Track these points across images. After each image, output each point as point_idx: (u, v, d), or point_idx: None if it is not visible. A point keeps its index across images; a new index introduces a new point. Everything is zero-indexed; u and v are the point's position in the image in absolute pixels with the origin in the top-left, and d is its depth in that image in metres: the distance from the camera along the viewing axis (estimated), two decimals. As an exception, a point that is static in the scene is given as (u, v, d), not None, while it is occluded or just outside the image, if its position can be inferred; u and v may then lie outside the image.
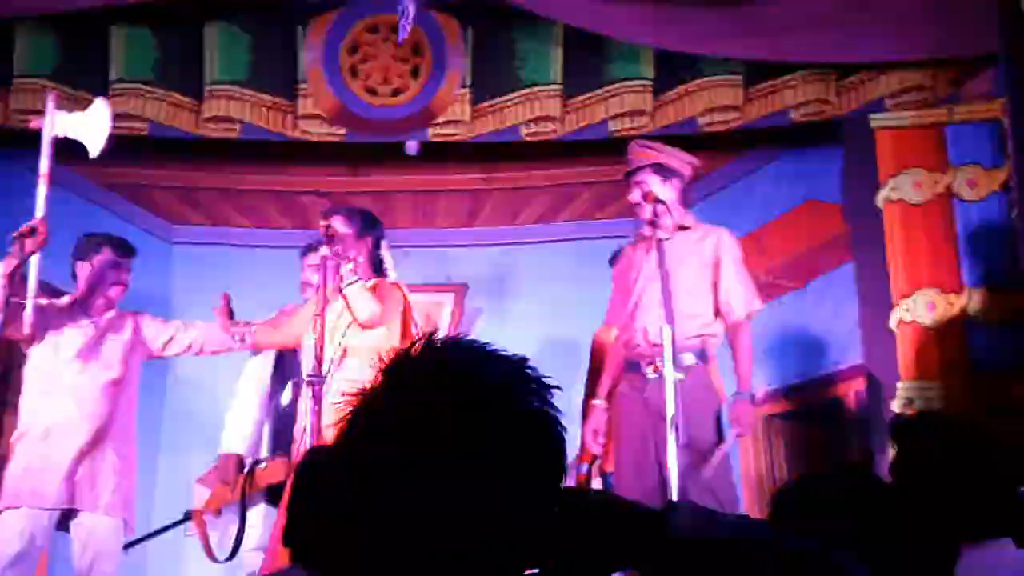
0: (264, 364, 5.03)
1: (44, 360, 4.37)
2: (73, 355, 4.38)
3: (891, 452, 2.10)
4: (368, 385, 1.06)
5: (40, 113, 4.95)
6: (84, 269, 4.55)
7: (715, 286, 4.26)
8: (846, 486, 1.63)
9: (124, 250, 4.64)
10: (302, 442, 4.09)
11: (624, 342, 4.36)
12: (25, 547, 4.12)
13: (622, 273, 4.52)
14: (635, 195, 4.33)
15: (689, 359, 4.14)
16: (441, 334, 1.09)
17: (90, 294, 4.53)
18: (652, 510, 1.03)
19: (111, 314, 4.59)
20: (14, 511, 4.15)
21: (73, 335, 4.43)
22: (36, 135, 5.08)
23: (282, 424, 4.86)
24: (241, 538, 4.50)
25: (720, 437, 4.16)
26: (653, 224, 4.16)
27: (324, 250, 4.31)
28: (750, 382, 4.22)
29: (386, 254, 4.62)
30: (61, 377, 4.34)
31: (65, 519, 4.32)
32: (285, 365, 4.97)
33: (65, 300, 4.51)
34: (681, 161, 4.38)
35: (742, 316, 4.25)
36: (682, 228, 4.31)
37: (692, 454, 3.99)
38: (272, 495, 4.50)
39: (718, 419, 4.20)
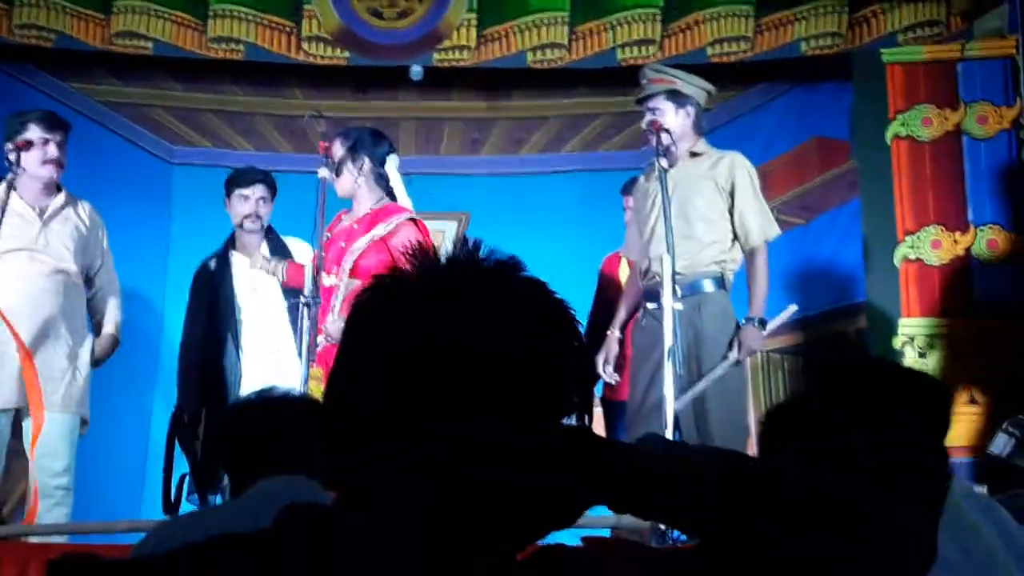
0: None
1: None
2: (16, 245, 4.07)
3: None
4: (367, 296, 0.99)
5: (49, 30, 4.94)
6: (11, 151, 4.17)
7: (731, 212, 4.15)
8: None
9: (51, 124, 4.20)
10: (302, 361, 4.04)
11: (642, 272, 4.31)
12: None
13: (637, 204, 4.46)
14: (645, 122, 4.25)
15: (708, 286, 4.08)
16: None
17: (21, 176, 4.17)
18: (624, 444, 0.98)
19: (59, 199, 4.27)
20: None
21: (16, 223, 4.10)
22: (39, 50, 5.05)
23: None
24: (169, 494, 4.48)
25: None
26: (664, 153, 4.04)
27: (323, 171, 4.21)
28: (762, 308, 4.11)
29: (393, 173, 4.37)
30: (7, 268, 4.02)
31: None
32: None
33: None
34: (695, 87, 4.25)
35: (759, 242, 4.13)
36: (694, 155, 4.23)
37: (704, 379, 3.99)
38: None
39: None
